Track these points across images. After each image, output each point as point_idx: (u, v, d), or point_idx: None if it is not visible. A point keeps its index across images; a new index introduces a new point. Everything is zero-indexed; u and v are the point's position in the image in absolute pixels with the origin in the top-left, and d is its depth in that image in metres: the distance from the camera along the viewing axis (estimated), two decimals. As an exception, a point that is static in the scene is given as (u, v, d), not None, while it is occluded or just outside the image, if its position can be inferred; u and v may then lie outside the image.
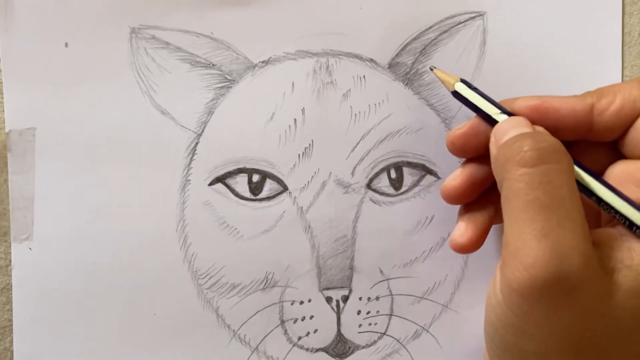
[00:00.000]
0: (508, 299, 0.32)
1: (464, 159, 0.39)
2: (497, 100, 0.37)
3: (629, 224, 0.33)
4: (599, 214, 0.37)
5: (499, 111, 0.36)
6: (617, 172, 0.36)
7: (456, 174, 0.38)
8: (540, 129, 0.35)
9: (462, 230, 0.38)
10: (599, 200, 0.34)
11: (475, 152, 0.38)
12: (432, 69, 0.39)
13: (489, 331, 0.35)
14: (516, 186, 0.32)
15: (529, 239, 0.31)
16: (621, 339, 0.33)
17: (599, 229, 0.35)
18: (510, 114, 0.36)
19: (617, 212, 0.34)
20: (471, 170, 0.38)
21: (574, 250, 0.31)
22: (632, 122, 0.36)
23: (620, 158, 0.37)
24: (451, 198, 0.38)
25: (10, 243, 0.41)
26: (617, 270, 0.32)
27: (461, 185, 0.38)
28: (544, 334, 0.32)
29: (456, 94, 0.38)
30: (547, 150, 0.32)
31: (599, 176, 0.35)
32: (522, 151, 0.32)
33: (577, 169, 0.34)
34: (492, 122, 0.36)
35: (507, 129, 0.35)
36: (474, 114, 0.37)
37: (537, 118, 0.36)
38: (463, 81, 0.38)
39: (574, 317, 0.31)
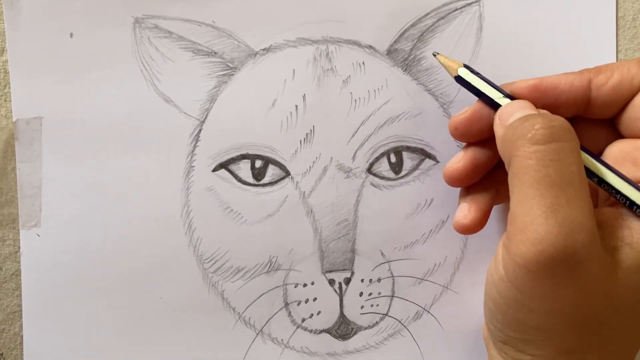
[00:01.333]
0: (512, 275, 0.33)
1: (463, 143, 0.39)
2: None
3: (630, 204, 0.34)
4: (596, 194, 0.38)
5: (502, 95, 0.37)
6: (615, 151, 0.37)
7: (459, 157, 0.39)
8: (544, 112, 0.35)
9: (466, 211, 0.38)
10: (600, 181, 0.35)
11: (478, 136, 0.38)
12: (435, 55, 0.39)
13: (490, 307, 0.35)
14: (527, 163, 0.32)
15: (538, 215, 0.31)
16: (622, 316, 0.33)
17: (598, 208, 0.36)
18: (512, 97, 0.37)
19: (617, 192, 0.34)
20: (473, 153, 0.38)
21: (581, 227, 0.31)
22: (629, 99, 0.36)
23: (618, 137, 0.37)
24: (454, 180, 0.39)
25: (18, 230, 0.42)
26: (618, 248, 0.33)
27: (464, 167, 0.38)
28: (547, 309, 0.33)
29: (459, 79, 0.38)
30: (558, 129, 0.33)
31: (598, 157, 0.35)
32: (533, 129, 0.33)
33: (579, 150, 0.35)
34: (495, 105, 0.37)
35: (512, 111, 0.35)
36: (472, 98, 0.38)
37: (536, 97, 0.36)
38: (466, 66, 0.38)
39: (577, 292, 0.32)
